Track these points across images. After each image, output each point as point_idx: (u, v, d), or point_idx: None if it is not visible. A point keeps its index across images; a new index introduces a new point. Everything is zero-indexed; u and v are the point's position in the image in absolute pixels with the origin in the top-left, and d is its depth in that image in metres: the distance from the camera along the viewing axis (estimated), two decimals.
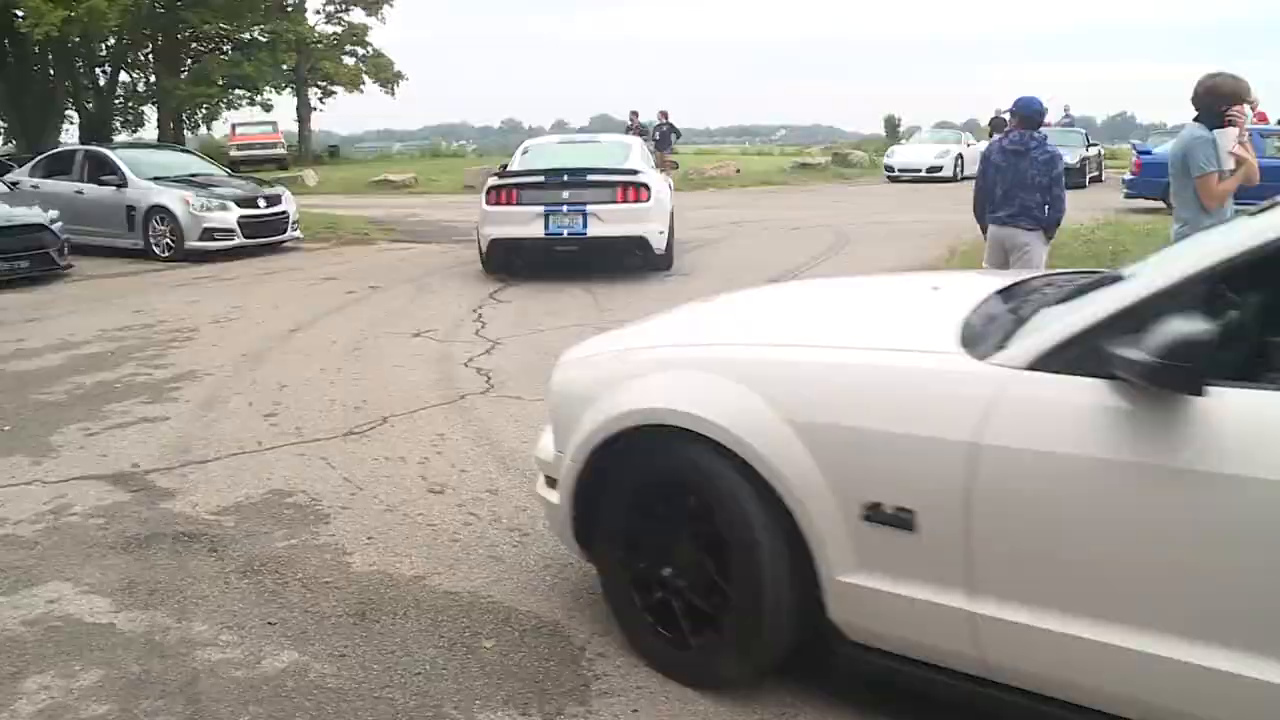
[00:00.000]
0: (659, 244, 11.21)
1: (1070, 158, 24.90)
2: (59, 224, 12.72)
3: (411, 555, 4.22)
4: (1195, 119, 5.84)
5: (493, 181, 11.57)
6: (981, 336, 2.86)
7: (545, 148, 13.09)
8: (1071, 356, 2.52)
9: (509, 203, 11.13)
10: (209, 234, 14.12)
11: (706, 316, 4.08)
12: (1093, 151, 26.58)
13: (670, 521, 3.21)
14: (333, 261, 13.94)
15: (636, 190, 10.99)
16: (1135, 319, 2.42)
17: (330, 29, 45.75)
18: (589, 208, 10.91)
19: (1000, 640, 2.64)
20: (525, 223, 11.05)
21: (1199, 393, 2.28)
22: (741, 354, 3.22)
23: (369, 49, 46.44)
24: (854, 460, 2.81)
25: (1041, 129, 7.17)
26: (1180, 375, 2.26)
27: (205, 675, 3.30)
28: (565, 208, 10.95)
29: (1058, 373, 2.54)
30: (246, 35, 41.59)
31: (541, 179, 11.18)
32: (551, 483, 3.58)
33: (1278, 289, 2.49)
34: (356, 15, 45.37)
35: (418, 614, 3.70)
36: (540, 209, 10.96)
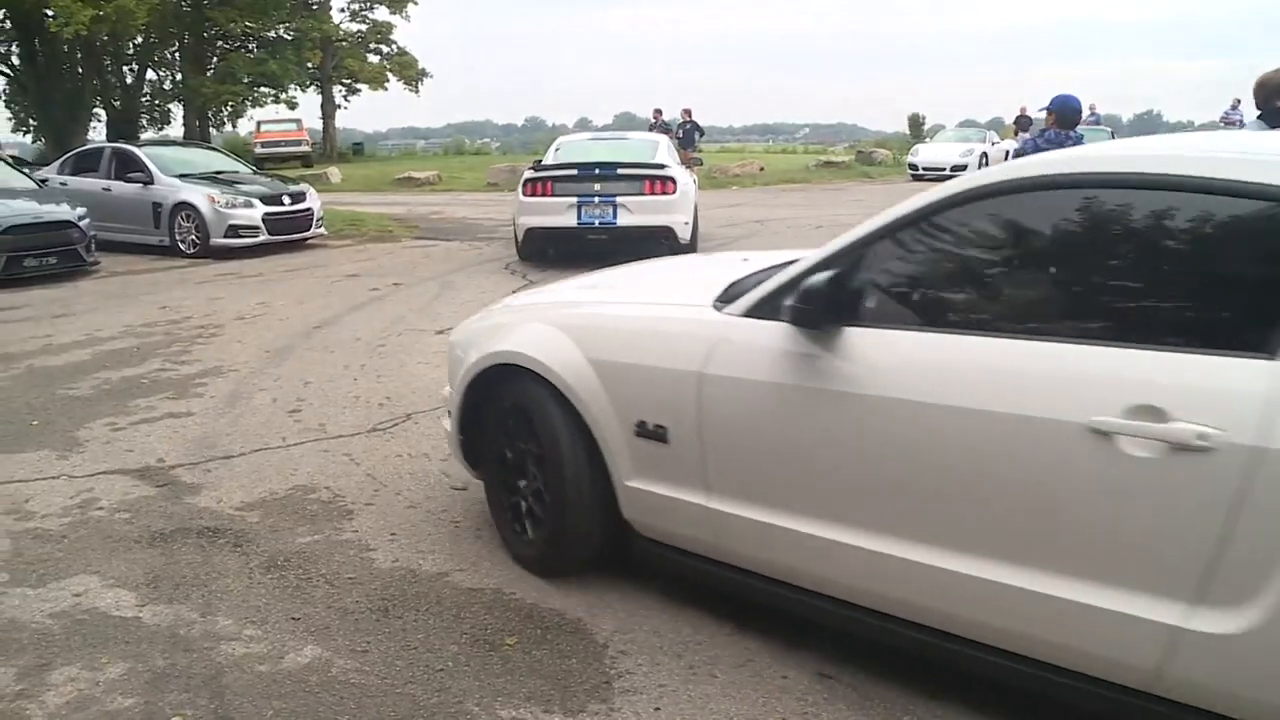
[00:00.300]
0: (684, 234, 11.72)
1: None
2: (86, 221, 12.82)
3: (434, 552, 4.23)
4: (1258, 116, 5.80)
5: (529, 175, 12.13)
6: (730, 295, 3.49)
7: (577, 144, 13.88)
8: (768, 307, 3.23)
9: (544, 194, 11.77)
10: (234, 231, 14.21)
11: (573, 286, 4.78)
12: None
13: (521, 440, 3.96)
14: (356, 258, 14.00)
15: (664, 183, 11.63)
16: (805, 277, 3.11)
17: (355, 27, 46.04)
18: (619, 199, 11.58)
19: (729, 530, 3.37)
20: (559, 213, 11.73)
21: (817, 327, 3.03)
22: (567, 311, 4.05)
23: (393, 47, 46.73)
24: (628, 388, 3.56)
25: (1078, 128, 7.13)
26: (805, 315, 3.02)
27: (229, 669, 3.31)
28: (597, 199, 11.62)
29: (759, 319, 3.25)
30: (272, 33, 41.91)
31: (575, 172, 11.83)
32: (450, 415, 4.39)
33: (904, 254, 3.11)
34: (381, 13, 45.58)
35: (440, 610, 3.71)
36: (573, 200, 11.66)
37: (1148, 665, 2.53)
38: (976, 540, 2.78)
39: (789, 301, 3.08)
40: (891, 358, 2.92)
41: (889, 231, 3.12)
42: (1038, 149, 6.97)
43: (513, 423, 3.99)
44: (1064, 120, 6.95)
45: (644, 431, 3.51)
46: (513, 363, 3.89)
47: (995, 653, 2.82)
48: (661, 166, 12.03)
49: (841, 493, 3.04)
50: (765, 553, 3.30)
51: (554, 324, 3.90)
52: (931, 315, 3.00)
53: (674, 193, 11.70)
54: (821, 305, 2.99)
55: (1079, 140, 6.93)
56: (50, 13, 30.69)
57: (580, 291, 4.53)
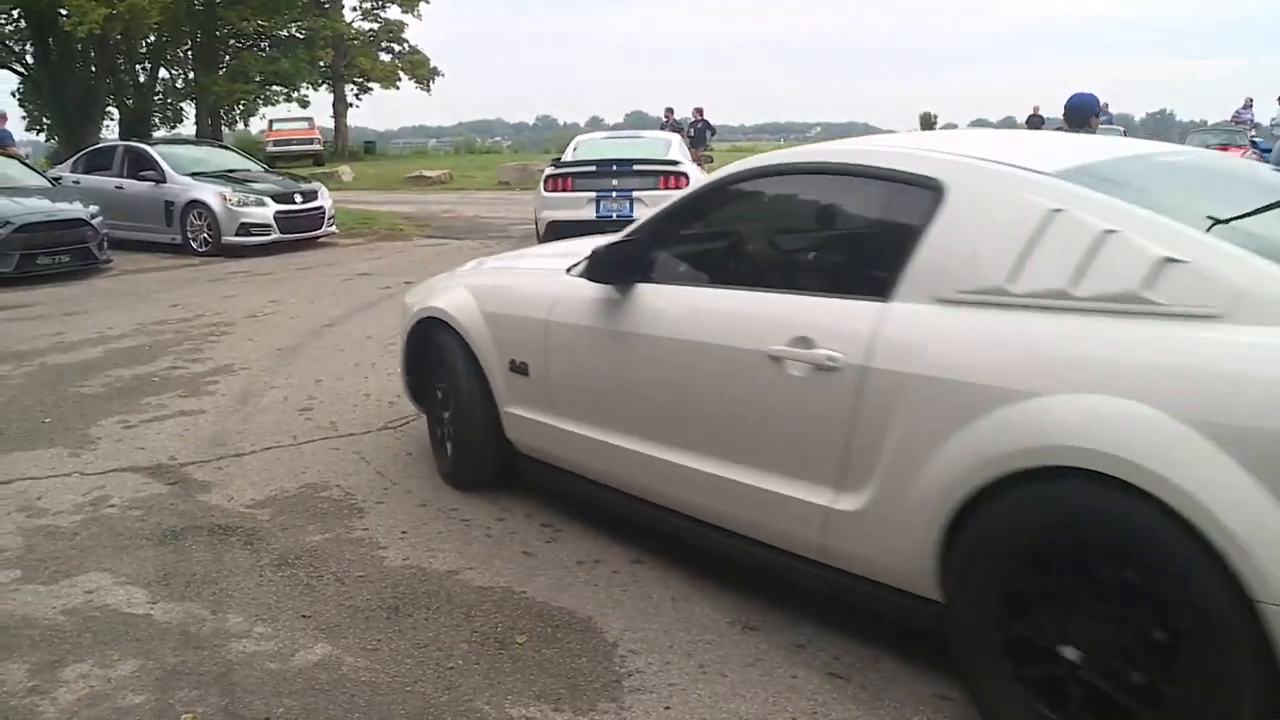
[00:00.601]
0: None
1: None
2: (99, 219, 12.86)
3: (445, 550, 4.23)
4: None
5: (550, 171, 12.88)
6: (579, 261, 4.25)
7: (594, 142, 14.78)
8: (592, 269, 4.04)
9: (565, 189, 12.50)
10: (245, 229, 14.25)
11: (508, 256, 5.87)
12: None
13: (441, 379, 4.94)
14: (368, 257, 14.02)
15: (677, 178, 12.20)
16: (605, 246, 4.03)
17: (367, 26, 46.10)
18: (635, 193, 12.28)
19: (569, 443, 4.28)
20: (579, 207, 12.42)
21: (613, 284, 3.96)
22: (475, 277, 5.01)
23: (405, 45, 46.78)
24: (504, 333, 4.54)
25: (1092, 126, 7.06)
26: (598, 274, 3.99)
27: (240, 667, 3.32)
28: (614, 193, 12.34)
29: (583, 279, 4.10)
30: (284, 32, 41.99)
31: (593, 169, 12.60)
32: None
33: (675, 229, 4.06)
34: (393, 12, 45.63)
35: (450, 609, 3.71)
36: (592, 195, 12.39)
37: (814, 538, 3.26)
38: (706, 443, 3.60)
39: (588, 264, 4.06)
40: (660, 305, 3.82)
41: (668, 213, 4.07)
42: None
43: (437, 365, 4.96)
44: (1070, 119, 6.91)
45: (514, 367, 4.48)
46: (435, 316, 4.91)
47: (729, 535, 3.64)
48: (674, 163, 12.84)
49: (629, 411, 3.95)
50: (591, 460, 4.21)
51: (466, 286, 4.90)
52: (685, 273, 3.96)
53: (686, 187, 11.99)
54: (613, 267, 3.96)
55: None
56: (64, 12, 30.81)
57: (502, 259, 5.62)
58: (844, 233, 3.76)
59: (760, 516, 3.45)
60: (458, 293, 4.86)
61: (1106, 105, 33.14)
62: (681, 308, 3.75)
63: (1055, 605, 2.64)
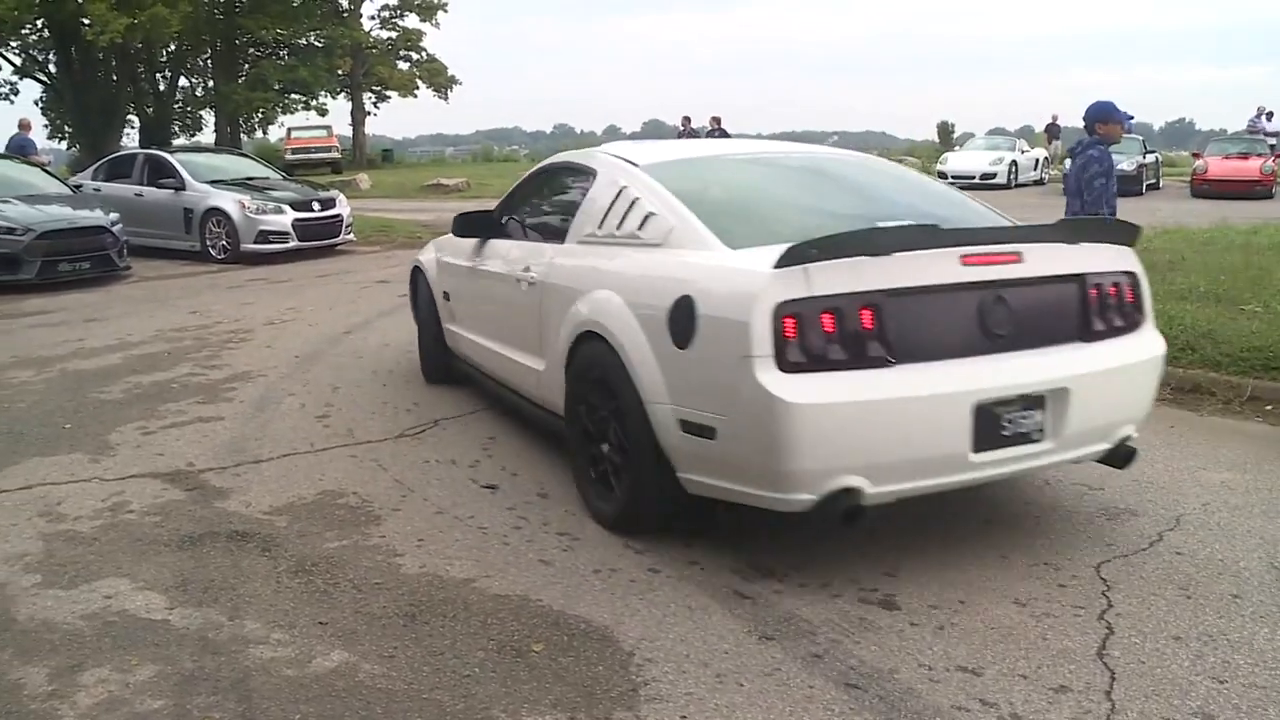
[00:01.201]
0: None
1: (1127, 165, 24.59)
2: (119, 226, 12.94)
3: (461, 558, 4.23)
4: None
5: None
6: None
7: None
8: (457, 228, 6.38)
9: None
10: (264, 236, 14.30)
11: None
12: (1150, 158, 26.14)
13: (417, 305, 7.49)
14: (385, 265, 14.06)
15: None
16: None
17: (385, 34, 46.22)
18: None
19: (461, 343, 6.56)
20: None
21: (465, 236, 6.31)
22: (444, 241, 6.95)
23: (423, 54, 46.90)
24: (442, 274, 6.82)
25: (1111, 133, 7.08)
26: (456, 229, 6.35)
27: (257, 673, 3.33)
28: None
29: (456, 235, 6.44)
30: (303, 41, 42.22)
31: None
32: None
33: (513, 201, 6.27)
34: (411, 21, 45.77)
35: (467, 616, 3.71)
36: None
37: (534, 389, 5.37)
38: (500, 333, 5.86)
39: (454, 224, 6.42)
40: (489, 251, 6.08)
41: (507, 194, 6.36)
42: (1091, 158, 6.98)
43: (416, 297, 7.45)
44: (1088, 128, 7.05)
45: (445, 297, 6.78)
46: (416, 264, 7.44)
47: (516, 393, 5.74)
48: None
49: (475, 317, 6.31)
50: (470, 353, 6.42)
51: (434, 244, 7.30)
52: (506, 229, 6.11)
53: None
54: (470, 227, 6.30)
55: (1085, 147, 7.10)
56: (86, 21, 31.07)
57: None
58: (560, 203, 5.78)
59: (520, 378, 5.58)
60: (429, 250, 7.29)
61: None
62: (498, 252, 6.00)
63: (595, 410, 4.58)
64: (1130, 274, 4.34)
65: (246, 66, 42.13)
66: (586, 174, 5.31)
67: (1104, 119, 7.11)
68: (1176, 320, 7.30)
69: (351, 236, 15.70)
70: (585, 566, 4.13)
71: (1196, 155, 25.87)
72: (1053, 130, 36.35)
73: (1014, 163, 28.13)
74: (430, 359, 7.20)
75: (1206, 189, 22.79)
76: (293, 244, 14.49)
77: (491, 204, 6.58)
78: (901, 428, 3.70)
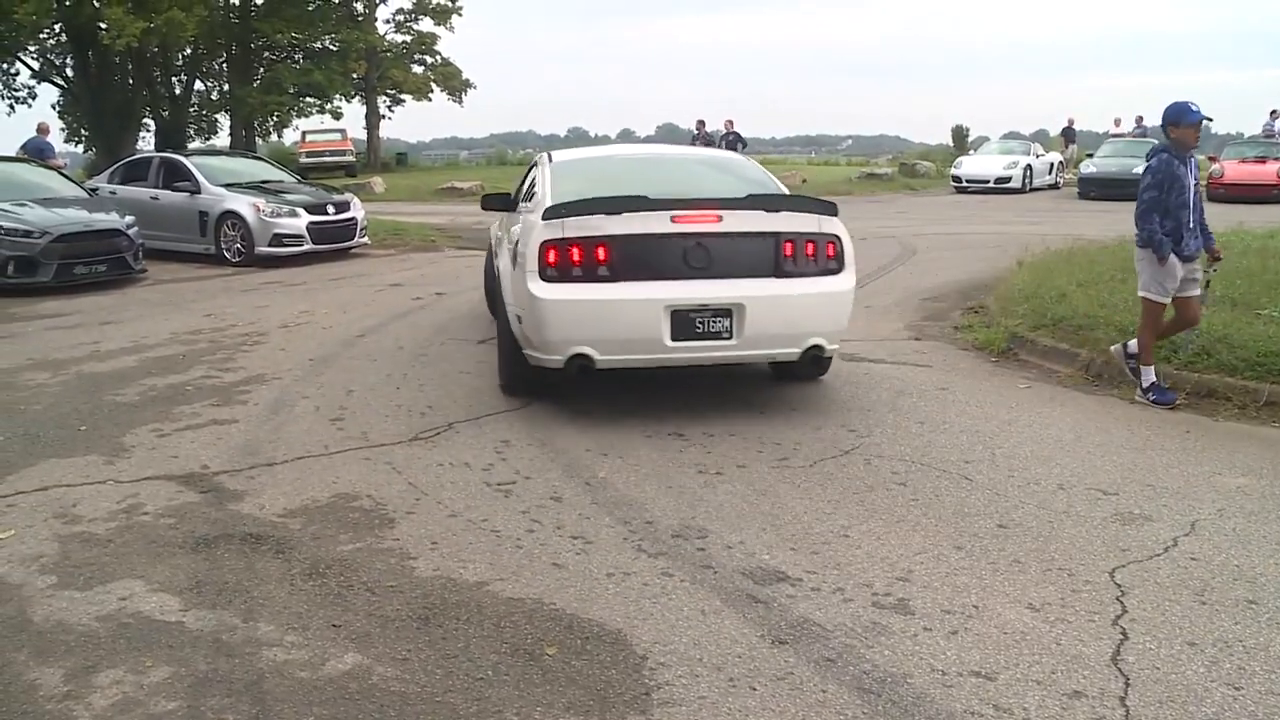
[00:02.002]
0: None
1: (1141, 169, 24.51)
2: (135, 229, 12.99)
3: (475, 561, 4.24)
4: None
5: None
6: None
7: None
8: (484, 204, 8.65)
9: None
10: (279, 240, 14.34)
11: None
12: None
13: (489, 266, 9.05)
14: (399, 268, 14.09)
15: None
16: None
17: (399, 38, 46.31)
18: None
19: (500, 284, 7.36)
20: None
21: (491, 210, 8.53)
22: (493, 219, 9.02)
23: (437, 57, 46.95)
24: (492, 241, 8.82)
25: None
26: (483, 204, 8.68)
27: (271, 675, 3.34)
28: None
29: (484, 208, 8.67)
30: (317, 44, 42.31)
31: None
32: None
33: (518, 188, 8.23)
34: (425, 24, 45.85)
35: (480, 619, 3.72)
36: None
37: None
38: (505, 286, 7.05)
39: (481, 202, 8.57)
40: (500, 221, 8.26)
41: (519, 181, 8.07)
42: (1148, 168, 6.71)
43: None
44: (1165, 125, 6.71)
45: (491, 257, 8.44)
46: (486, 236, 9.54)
47: None
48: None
49: (500, 264, 7.46)
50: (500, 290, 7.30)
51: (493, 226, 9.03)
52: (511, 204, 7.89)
53: None
54: (491, 204, 8.32)
55: (1153, 151, 6.72)
56: (103, 25, 31.23)
57: None
58: (525, 185, 7.67)
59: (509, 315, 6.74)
60: (493, 226, 8.98)
61: (1141, 118, 33.01)
62: (505, 221, 7.77)
63: (498, 315, 7.23)
64: (835, 236, 6.32)
65: (261, 70, 42.24)
66: (539, 166, 7.64)
67: (1175, 122, 6.64)
68: None
69: (366, 240, 15.73)
70: (598, 570, 4.13)
71: (1213, 159, 25.77)
72: (1069, 134, 36.28)
73: (1029, 167, 28.05)
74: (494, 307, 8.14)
75: (1223, 193, 22.68)
76: (307, 247, 14.52)
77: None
78: (616, 319, 6.01)
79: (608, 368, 6.16)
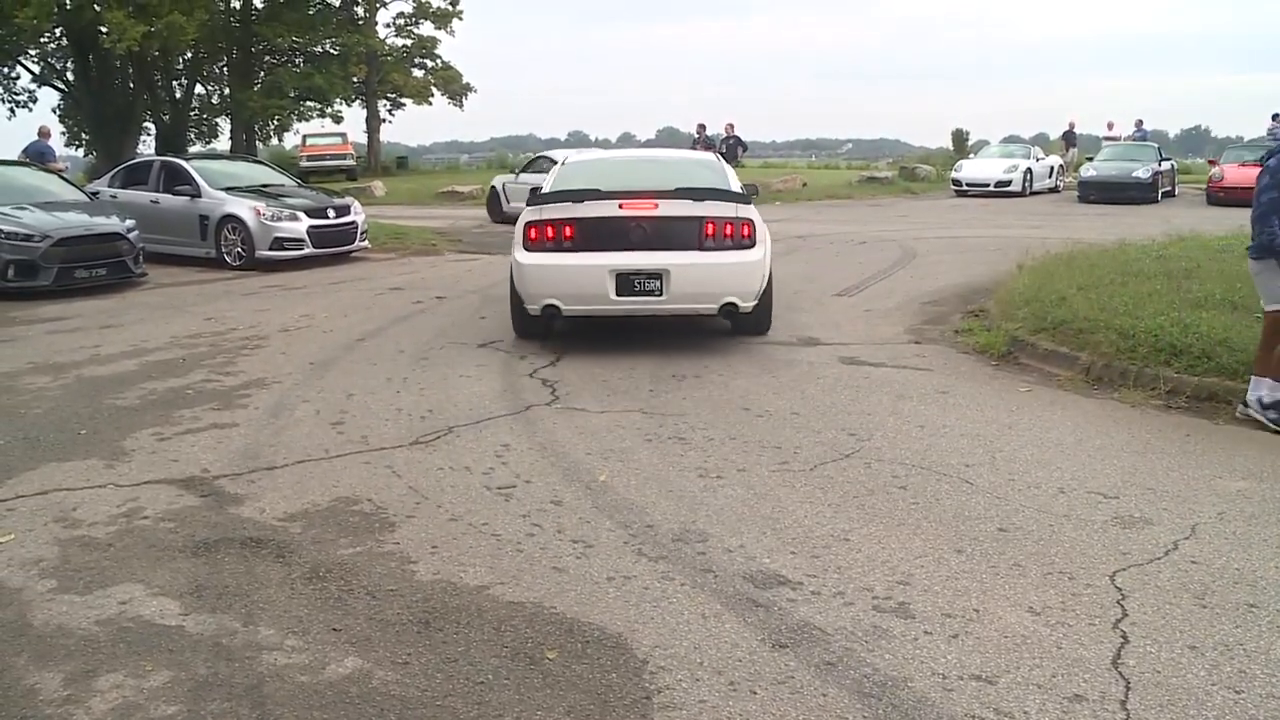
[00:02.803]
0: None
1: (1142, 172, 24.53)
2: (135, 233, 13.00)
3: (475, 565, 4.24)
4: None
5: None
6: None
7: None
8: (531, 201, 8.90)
9: None
10: (279, 243, 14.35)
11: None
12: (1166, 166, 26.06)
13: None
14: (400, 272, 14.10)
15: None
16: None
17: (400, 42, 46.34)
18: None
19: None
20: None
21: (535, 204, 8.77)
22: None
23: (438, 61, 46.98)
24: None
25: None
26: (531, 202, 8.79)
27: (271, 679, 3.34)
28: None
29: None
30: (318, 48, 42.32)
31: None
32: None
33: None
34: (426, 28, 45.88)
35: (481, 624, 3.72)
36: None
37: None
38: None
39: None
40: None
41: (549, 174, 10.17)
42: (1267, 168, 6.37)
43: None
44: None
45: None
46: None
47: None
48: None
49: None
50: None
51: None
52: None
53: None
54: (532, 197, 8.83)
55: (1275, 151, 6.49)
56: (104, 29, 31.27)
57: None
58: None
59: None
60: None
61: (1140, 121, 33.05)
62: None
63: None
64: (749, 219, 8.26)
65: (262, 74, 42.27)
66: (555, 162, 11.00)
67: None
68: (1192, 328, 7.26)
69: (366, 244, 15.74)
70: (599, 574, 4.13)
71: (1213, 163, 25.78)
72: (1069, 137, 36.31)
73: (1029, 170, 28.04)
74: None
75: (1222, 196, 22.73)
76: (308, 251, 14.53)
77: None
78: (575, 279, 8.08)
79: (571, 315, 8.34)
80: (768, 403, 6.75)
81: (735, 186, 8.75)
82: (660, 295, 8.04)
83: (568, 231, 8.14)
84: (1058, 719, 3.05)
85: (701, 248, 8.14)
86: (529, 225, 8.23)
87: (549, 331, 8.82)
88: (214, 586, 4.06)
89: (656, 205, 8.13)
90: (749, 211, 8.31)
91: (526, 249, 8.23)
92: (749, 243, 8.24)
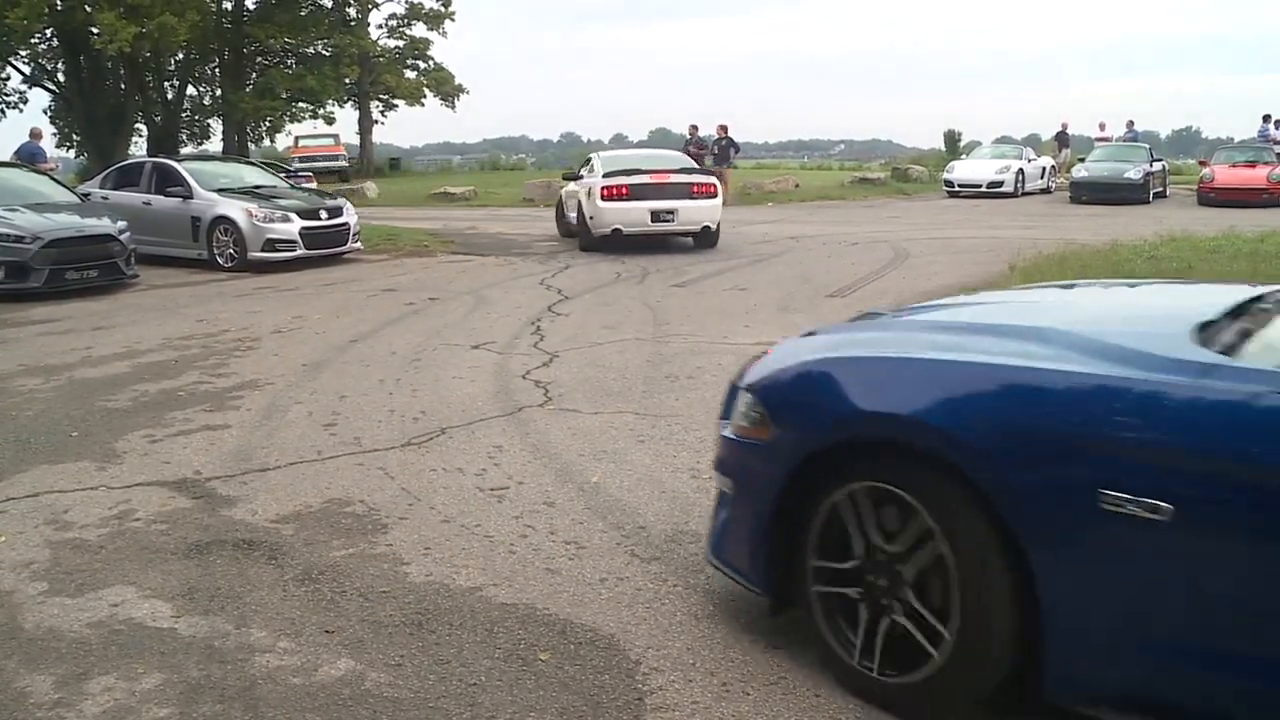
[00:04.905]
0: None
1: (1134, 173, 24.60)
2: (127, 234, 12.98)
3: (468, 566, 4.23)
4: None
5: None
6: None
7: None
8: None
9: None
10: (271, 245, 14.33)
11: None
12: (1157, 167, 26.13)
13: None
14: (392, 273, 14.09)
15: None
16: None
17: (392, 43, 46.36)
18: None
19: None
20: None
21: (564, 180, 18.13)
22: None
23: (430, 63, 47.00)
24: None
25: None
26: (567, 176, 18.36)
27: (263, 681, 3.33)
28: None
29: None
30: (310, 49, 42.30)
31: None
32: None
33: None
34: (419, 30, 45.89)
35: (474, 625, 3.71)
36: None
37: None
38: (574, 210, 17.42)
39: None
40: (573, 187, 17.64)
41: (582, 163, 18.25)
42: None
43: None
44: None
45: (562, 204, 18.47)
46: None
47: None
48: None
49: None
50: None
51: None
52: (579, 177, 17.64)
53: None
54: (574, 177, 17.92)
55: None
56: (95, 30, 31.23)
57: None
58: (583, 168, 17.21)
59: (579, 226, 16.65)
60: (563, 191, 18.31)
61: (1132, 122, 33.06)
62: (570, 187, 17.37)
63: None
64: (713, 183, 16.17)
65: (254, 75, 42.24)
66: (591, 158, 17.41)
67: None
68: None
69: (359, 245, 15.73)
70: (592, 575, 4.13)
71: (1204, 163, 25.87)
72: (1062, 138, 36.36)
73: (1020, 171, 28.07)
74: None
75: (1213, 197, 22.81)
76: (300, 252, 14.51)
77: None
78: (629, 215, 15.24)
79: (626, 234, 15.22)
80: None
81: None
82: (673, 222, 15.41)
83: (624, 190, 15.27)
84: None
85: (692, 198, 15.50)
86: (603, 187, 15.29)
87: (606, 243, 15.47)
88: (206, 589, 4.05)
89: (669, 176, 15.68)
90: (713, 179, 16.48)
91: (603, 200, 15.21)
92: (714, 195, 15.81)
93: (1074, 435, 2.63)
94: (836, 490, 3.13)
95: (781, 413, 3.33)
